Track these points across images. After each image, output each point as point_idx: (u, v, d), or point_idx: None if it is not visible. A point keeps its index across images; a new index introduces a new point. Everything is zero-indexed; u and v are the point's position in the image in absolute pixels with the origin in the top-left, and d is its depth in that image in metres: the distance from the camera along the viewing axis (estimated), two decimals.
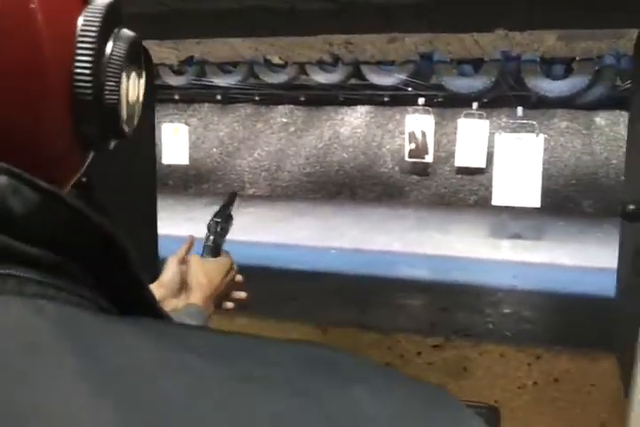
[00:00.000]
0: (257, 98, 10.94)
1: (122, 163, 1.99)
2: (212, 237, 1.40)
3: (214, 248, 1.39)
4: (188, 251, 1.38)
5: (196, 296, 1.26)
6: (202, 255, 1.39)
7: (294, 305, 4.64)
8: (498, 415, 1.53)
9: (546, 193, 8.13)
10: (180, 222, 5.83)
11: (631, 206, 1.35)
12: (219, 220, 1.43)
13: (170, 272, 1.31)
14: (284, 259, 6.56)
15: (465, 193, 10.48)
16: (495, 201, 7.80)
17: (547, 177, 8.22)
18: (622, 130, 10.14)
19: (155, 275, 1.31)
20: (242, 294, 1.41)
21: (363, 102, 11.04)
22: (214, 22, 4.48)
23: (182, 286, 1.30)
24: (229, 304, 1.39)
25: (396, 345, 2.14)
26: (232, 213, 1.49)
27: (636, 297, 1.64)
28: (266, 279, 5.64)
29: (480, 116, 9.16)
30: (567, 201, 9.85)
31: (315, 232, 8.18)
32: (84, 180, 1.65)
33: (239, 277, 1.42)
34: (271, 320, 2.65)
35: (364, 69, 7.78)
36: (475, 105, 8.99)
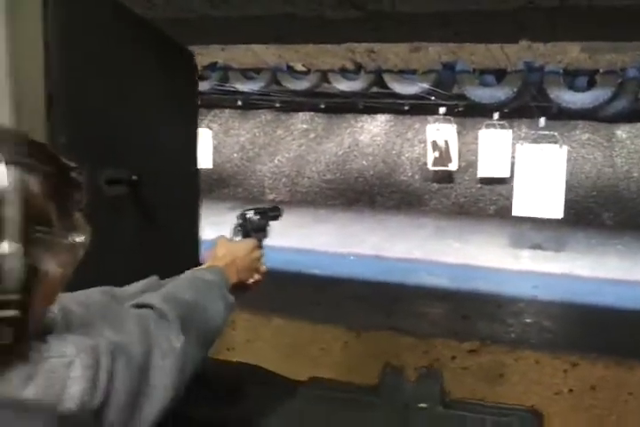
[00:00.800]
0: (278, 104, 10.99)
1: (166, 164, 2.04)
2: (240, 222, 1.50)
3: (243, 233, 1.48)
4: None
5: (216, 263, 1.37)
6: (230, 238, 1.50)
7: (319, 309, 4.66)
8: (541, 419, 1.54)
9: (566, 204, 8.10)
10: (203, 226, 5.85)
11: None
12: (250, 212, 1.52)
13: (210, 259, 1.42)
14: (305, 264, 6.58)
15: (485, 203, 10.45)
16: (516, 211, 7.78)
17: (567, 188, 8.19)
18: None
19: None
20: (256, 276, 1.48)
21: (383, 111, 11.06)
22: (239, 29, 4.53)
23: None
24: (255, 279, 1.46)
25: (433, 349, 2.16)
26: (269, 221, 1.56)
27: None
28: (288, 284, 5.68)
29: (501, 127, 9.15)
30: (587, 213, 9.80)
31: (334, 238, 8.20)
32: (134, 177, 1.72)
33: (264, 268, 1.50)
34: (305, 322, 2.68)
35: (387, 78, 7.81)
36: (496, 115, 8.98)
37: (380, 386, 2.20)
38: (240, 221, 1.52)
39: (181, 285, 1.24)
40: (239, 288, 1.40)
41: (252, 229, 1.52)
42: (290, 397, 2.04)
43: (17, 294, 0.67)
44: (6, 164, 0.65)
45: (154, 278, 1.36)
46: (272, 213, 1.60)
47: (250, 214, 1.53)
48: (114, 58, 1.80)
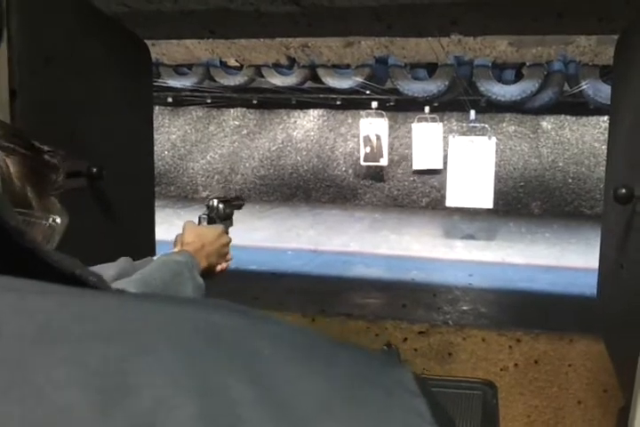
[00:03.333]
0: (209, 100, 10.92)
1: (124, 157, 2.04)
2: (206, 211, 1.53)
3: (208, 221, 1.51)
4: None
5: (185, 248, 1.40)
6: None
7: (257, 305, 4.69)
8: (496, 390, 1.62)
9: (496, 195, 8.35)
10: None
11: (623, 190, 1.47)
12: (215, 201, 1.55)
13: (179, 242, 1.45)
14: (242, 259, 6.57)
15: (418, 195, 10.66)
16: (449, 202, 7.98)
17: (497, 179, 8.44)
18: (568, 134, 10.49)
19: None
20: (224, 264, 1.54)
21: (316, 106, 11.13)
22: (172, 23, 4.49)
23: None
24: (222, 265, 1.48)
25: (384, 332, 2.23)
26: (232, 211, 1.60)
27: (620, 286, 1.76)
28: (224, 280, 5.66)
29: (433, 120, 9.35)
30: (516, 203, 10.13)
31: (271, 234, 8.22)
32: (94, 170, 1.71)
33: (231, 254, 1.53)
34: (264, 311, 2.69)
35: (321, 72, 7.86)
36: (427, 109, 9.17)
37: None
38: (206, 210, 1.55)
39: (153, 269, 1.26)
40: (207, 274, 1.43)
41: (218, 217, 1.55)
42: None
43: None
44: None
45: (124, 260, 1.36)
46: (236, 202, 1.64)
47: (215, 203, 1.56)
48: (73, 51, 1.79)
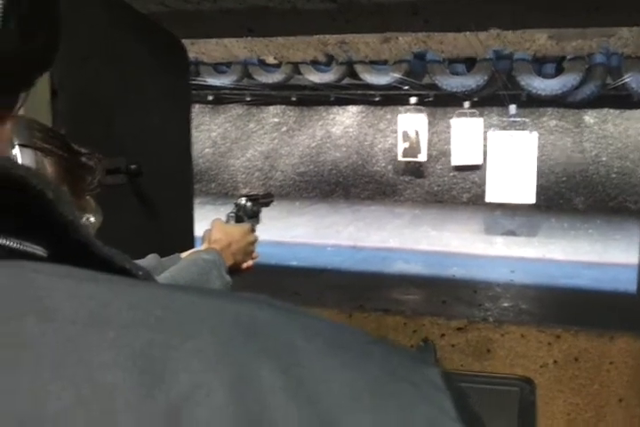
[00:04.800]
0: (248, 98, 10.98)
1: (163, 155, 2.07)
2: (234, 209, 1.54)
3: (236, 219, 1.52)
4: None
5: (213, 246, 1.43)
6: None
7: (297, 300, 4.72)
8: (533, 386, 1.61)
9: (538, 190, 8.24)
10: None
11: None
12: (243, 199, 1.57)
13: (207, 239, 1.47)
14: (283, 256, 6.62)
15: (458, 191, 10.57)
16: (489, 198, 7.90)
17: (538, 174, 8.33)
18: (611, 128, 10.29)
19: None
20: (250, 262, 1.54)
21: (355, 102, 11.11)
22: (211, 22, 4.54)
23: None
24: (249, 263, 1.50)
25: (421, 328, 2.23)
26: (259, 208, 1.61)
27: None
28: (266, 276, 5.71)
29: (472, 115, 9.27)
30: (558, 198, 9.97)
31: (311, 230, 8.25)
32: (133, 167, 1.74)
33: (256, 253, 1.55)
34: (299, 307, 2.71)
35: (358, 69, 7.85)
36: (466, 104, 9.09)
37: None
38: (234, 208, 1.57)
39: (181, 267, 1.28)
40: (233, 271, 1.45)
41: (246, 215, 1.57)
42: None
43: None
44: (24, 147, 0.70)
45: (152, 257, 1.39)
46: (264, 199, 1.65)
47: (243, 201, 1.58)
48: (113, 51, 1.83)
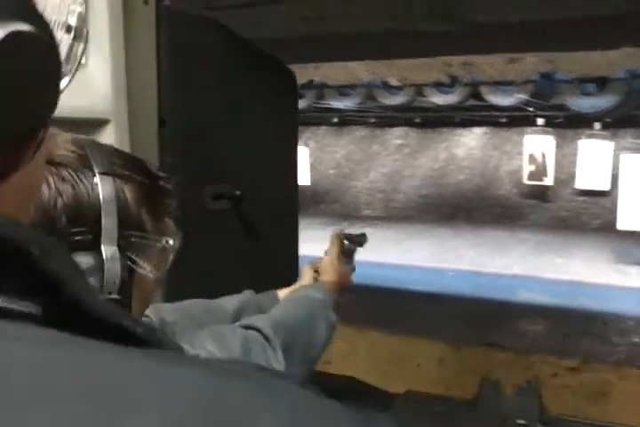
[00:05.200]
0: (372, 120, 11.05)
1: (268, 181, 2.11)
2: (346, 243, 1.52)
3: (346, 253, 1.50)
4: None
5: (325, 278, 1.40)
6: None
7: (416, 325, 4.64)
8: None
9: None
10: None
11: None
12: (344, 236, 1.54)
13: (307, 277, 1.45)
14: (402, 280, 6.55)
15: (588, 216, 10.10)
16: (620, 225, 7.48)
17: None
18: None
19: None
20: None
21: (479, 123, 10.91)
22: (334, 46, 4.61)
23: None
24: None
25: (532, 366, 2.11)
26: (355, 247, 1.58)
27: None
28: (384, 299, 5.66)
29: (603, 137, 8.84)
30: None
31: (431, 254, 8.13)
32: (237, 193, 1.77)
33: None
34: (401, 335, 2.67)
35: (483, 90, 7.71)
36: (597, 125, 8.70)
37: (478, 400, 2.16)
38: (340, 241, 1.55)
39: (290, 306, 1.26)
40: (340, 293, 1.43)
41: (343, 253, 1.54)
42: (386, 409, 2.04)
43: (117, 293, 0.73)
44: (104, 174, 0.73)
45: (249, 293, 1.39)
46: (359, 238, 1.63)
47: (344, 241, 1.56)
48: (219, 79, 1.88)
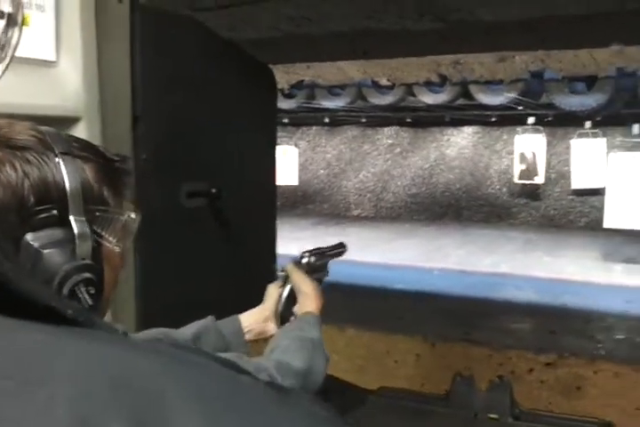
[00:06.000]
0: (363, 120, 11.05)
1: (245, 179, 2.12)
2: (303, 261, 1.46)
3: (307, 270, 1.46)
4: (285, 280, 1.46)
5: (308, 304, 1.36)
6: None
7: (402, 323, 4.65)
8: None
9: None
10: (286, 241, 5.95)
11: None
12: (305, 256, 1.48)
13: (271, 298, 1.41)
14: (390, 278, 6.57)
15: (576, 215, 10.14)
16: (607, 223, 7.51)
17: None
18: None
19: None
20: None
21: (470, 122, 10.93)
22: (324, 46, 4.61)
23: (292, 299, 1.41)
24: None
25: (508, 362, 2.13)
26: (329, 260, 1.53)
27: None
28: (371, 298, 5.68)
29: (594, 135, 8.88)
30: None
31: (419, 253, 8.15)
32: (213, 191, 1.76)
33: None
34: (380, 333, 2.68)
35: (473, 89, 7.73)
36: (588, 124, 8.73)
37: (450, 395, 2.18)
38: (292, 266, 1.48)
39: (292, 349, 1.22)
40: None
41: (310, 270, 1.49)
42: (361, 406, 2.05)
43: (89, 259, 0.79)
44: (65, 154, 0.78)
45: (209, 319, 1.36)
46: (332, 251, 1.56)
47: (305, 258, 1.50)
48: (196, 77, 1.89)
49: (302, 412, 0.37)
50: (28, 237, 0.75)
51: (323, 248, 1.52)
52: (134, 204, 0.91)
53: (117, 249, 0.85)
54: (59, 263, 0.76)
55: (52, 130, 0.82)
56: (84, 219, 0.78)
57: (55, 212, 0.76)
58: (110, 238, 0.82)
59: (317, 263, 1.47)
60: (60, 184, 0.76)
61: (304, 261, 1.45)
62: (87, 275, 0.78)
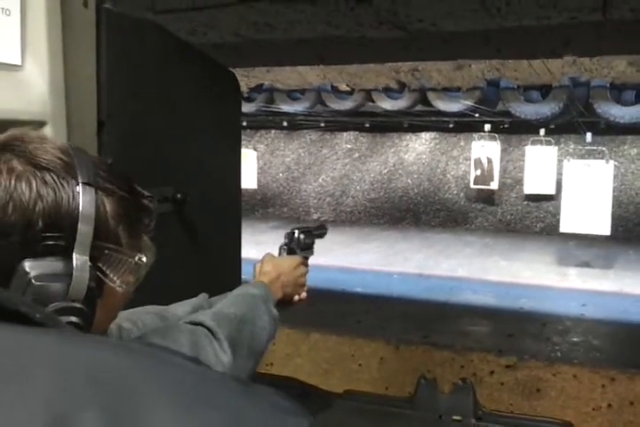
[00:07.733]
0: (322, 124, 11.10)
1: (210, 184, 2.11)
2: (286, 242, 1.53)
3: (288, 251, 1.51)
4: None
5: (261, 278, 1.40)
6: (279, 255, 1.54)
7: (360, 327, 4.68)
8: None
9: (616, 221, 7.96)
10: (247, 246, 5.94)
11: None
12: (296, 231, 1.55)
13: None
14: (349, 282, 6.60)
15: (532, 220, 10.34)
16: (563, 228, 7.68)
17: (617, 205, 8.05)
18: None
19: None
20: (303, 294, 1.51)
21: (427, 129, 11.07)
22: (284, 51, 4.63)
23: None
24: (301, 295, 1.49)
25: (469, 364, 2.16)
26: (313, 240, 1.60)
27: None
28: (330, 302, 5.70)
29: (548, 143, 9.07)
30: (638, 229, 9.59)
31: (379, 257, 8.21)
32: (179, 196, 1.76)
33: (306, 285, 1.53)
34: (345, 337, 2.70)
35: (431, 96, 7.83)
36: (542, 131, 8.92)
37: (415, 398, 2.22)
38: (286, 240, 1.57)
39: (229, 302, 1.27)
40: (284, 304, 1.44)
41: (298, 248, 1.56)
42: (326, 409, 2.07)
43: (81, 303, 0.73)
44: (86, 184, 0.73)
45: (203, 296, 1.39)
46: (318, 231, 1.64)
47: (296, 233, 1.57)
48: (160, 82, 1.88)
49: (266, 403, 0.39)
50: (26, 263, 0.70)
51: (310, 227, 1.59)
52: (152, 243, 0.85)
53: (120, 290, 0.79)
54: (46, 300, 0.71)
55: (82, 154, 0.77)
56: (87, 257, 0.73)
57: (61, 242, 0.72)
58: (114, 278, 0.78)
59: (306, 241, 1.54)
60: (74, 214, 0.72)
61: (294, 235, 1.52)
62: (72, 319, 0.73)
